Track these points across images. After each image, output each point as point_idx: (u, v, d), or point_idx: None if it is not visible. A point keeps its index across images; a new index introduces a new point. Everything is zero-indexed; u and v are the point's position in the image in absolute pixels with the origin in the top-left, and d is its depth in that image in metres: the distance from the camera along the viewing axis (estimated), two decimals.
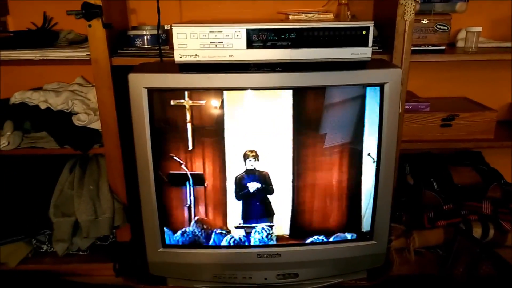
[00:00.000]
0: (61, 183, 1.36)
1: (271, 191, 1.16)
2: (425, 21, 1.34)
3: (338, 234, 1.21)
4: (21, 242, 1.34)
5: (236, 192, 1.15)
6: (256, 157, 1.12)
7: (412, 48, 1.26)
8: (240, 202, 1.16)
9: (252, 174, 1.13)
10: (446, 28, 1.35)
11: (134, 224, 1.37)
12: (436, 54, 1.34)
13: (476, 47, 1.36)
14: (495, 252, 1.18)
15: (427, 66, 1.52)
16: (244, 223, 1.18)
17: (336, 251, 1.20)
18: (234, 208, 1.17)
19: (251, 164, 1.12)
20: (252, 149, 1.11)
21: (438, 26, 1.35)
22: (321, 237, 1.20)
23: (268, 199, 1.17)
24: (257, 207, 1.17)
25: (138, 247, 1.27)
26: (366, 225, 1.20)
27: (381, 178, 1.15)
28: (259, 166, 1.13)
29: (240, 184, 1.14)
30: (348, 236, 1.21)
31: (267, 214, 1.18)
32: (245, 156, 1.12)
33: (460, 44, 1.47)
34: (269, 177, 1.14)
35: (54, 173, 1.38)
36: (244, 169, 1.13)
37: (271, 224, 1.18)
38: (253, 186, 1.14)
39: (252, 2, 1.47)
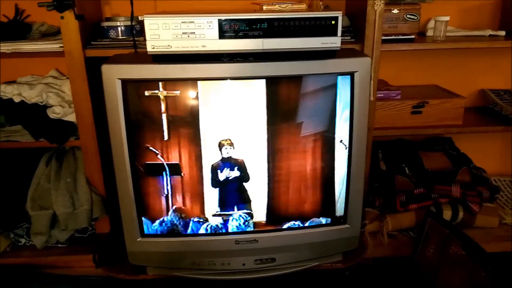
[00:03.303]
0: (38, 176, 1.36)
1: (246, 179, 1.18)
2: (395, 11, 1.37)
3: (313, 219, 1.24)
4: None
5: (212, 180, 1.17)
6: (231, 145, 1.14)
7: (382, 38, 1.29)
8: (217, 190, 1.18)
9: (228, 162, 1.15)
10: (416, 18, 1.39)
11: (113, 216, 1.38)
12: (406, 43, 1.38)
13: (445, 36, 1.40)
14: (464, 233, 1.23)
15: (399, 55, 1.56)
16: (221, 211, 1.20)
17: (312, 236, 1.24)
18: (211, 197, 1.19)
19: (227, 152, 1.14)
20: (226, 138, 1.13)
21: (408, 16, 1.38)
22: (297, 223, 1.23)
23: (244, 186, 1.19)
24: (234, 194, 1.19)
25: (117, 238, 1.28)
26: (340, 209, 1.24)
27: (353, 164, 1.19)
28: (235, 154, 1.15)
29: (216, 172, 1.16)
30: (323, 220, 1.25)
31: (243, 201, 1.20)
32: (220, 145, 1.14)
33: (429, 33, 1.51)
34: (244, 165, 1.17)
35: (30, 167, 1.38)
36: (220, 158, 1.15)
37: (249, 211, 1.21)
38: (228, 174, 1.16)
39: None
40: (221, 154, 1.14)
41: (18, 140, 1.30)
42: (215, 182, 1.17)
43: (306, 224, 1.24)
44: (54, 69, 1.48)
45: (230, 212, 1.20)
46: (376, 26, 1.26)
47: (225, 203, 1.19)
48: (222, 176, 1.16)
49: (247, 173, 1.17)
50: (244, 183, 1.18)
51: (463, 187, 1.42)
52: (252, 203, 1.20)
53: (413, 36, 1.40)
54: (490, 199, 1.44)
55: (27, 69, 1.47)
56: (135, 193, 1.15)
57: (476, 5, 1.59)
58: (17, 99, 1.31)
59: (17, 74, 1.46)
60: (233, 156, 1.15)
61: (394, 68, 1.61)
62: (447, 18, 1.39)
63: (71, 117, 1.30)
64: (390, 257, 1.40)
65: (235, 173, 1.17)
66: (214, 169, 1.16)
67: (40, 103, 1.31)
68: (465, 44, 1.40)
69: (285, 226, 1.23)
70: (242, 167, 1.16)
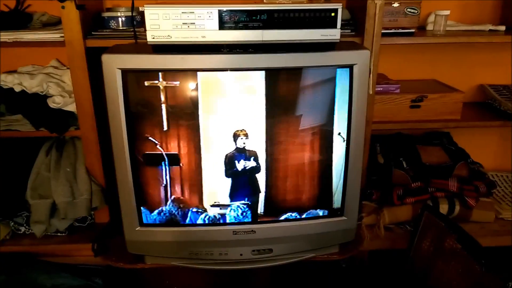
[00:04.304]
0: (38, 166, 1.36)
1: (258, 169, 1.19)
2: (395, 5, 1.37)
3: (311, 211, 1.25)
4: None
5: (226, 170, 1.18)
6: (246, 135, 1.14)
7: (382, 31, 1.29)
8: (224, 180, 1.19)
9: (243, 153, 1.16)
10: (416, 12, 1.39)
11: (112, 206, 1.39)
12: (406, 37, 1.38)
13: (445, 30, 1.40)
14: (460, 226, 1.24)
15: (398, 49, 1.56)
16: (231, 201, 1.21)
17: (309, 227, 1.25)
18: (210, 187, 1.19)
19: (242, 142, 1.15)
20: (241, 128, 1.14)
21: (409, 10, 1.39)
22: (294, 214, 1.24)
23: (255, 177, 1.20)
24: (246, 185, 1.20)
25: (116, 228, 1.29)
26: (337, 202, 1.25)
27: (351, 157, 1.19)
28: (249, 144, 1.15)
29: (232, 162, 1.17)
30: (320, 212, 1.26)
31: (254, 192, 1.21)
32: (235, 136, 1.14)
33: (430, 27, 1.51)
34: (257, 155, 1.17)
35: (30, 156, 1.38)
36: (235, 148, 1.15)
37: (256, 201, 1.22)
38: (246, 164, 1.17)
39: None
40: (236, 144, 1.15)
41: (18, 129, 1.31)
42: (229, 172, 1.18)
43: (303, 216, 1.25)
44: (54, 59, 1.48)
45: (229, 203, 1.21)
46: (376, 19, 1.26)
47: (237, 193, 1.20)
48: (240, 166, 1.17)
49: (259, 163, 1.18)
50: (256, 174, 1.19)
51: (460, 181, 1.43)
52: (255, 194, 1.21)
53: (413, 30, 1.40)
54: (486, 194, 1.45)
55: (27, 59, 1.47)
56: (134, 182, 1.16)
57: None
58: (17, 89, 1.31)
59: (18, 63, 1.46)
60: (247, 147, 1.15)
61: (394, 62, 1.61)
62: (447, 12, 1.39)
63: (71, 107, 1.31)
64: (386, 249, 1.41)
65: (252, 163, 1.17)
66: (229, 159, 1.16)
67: (40, 93, 1.32)
68: (465, 38, 1.40)
69: (282, 218, 1.24)
70: (255, 157, 1.17)
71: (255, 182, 1.20)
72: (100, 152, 1.34)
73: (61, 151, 1.41)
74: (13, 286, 1.35)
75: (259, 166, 1.19)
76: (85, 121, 1.29)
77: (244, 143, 1.15)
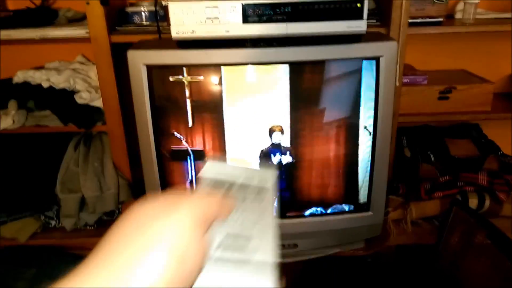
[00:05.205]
0: (67, 161, 1.39)
1: (294, 165, 1.18)
2: None
3: (336, 205, 1.24)
4: (30, 218, 1.39)
5: (260, 164, 1.17)
6: (282, 131, 1.14)
7: (409, 21, 1.26)
8: None
9: (278, 148, 1.16)
10: (444, 0, 1.35)
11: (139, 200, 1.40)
12: (434, 26, 1.34)
13: (474, 19, 1.36)
14: (490, 222, 1.20)
15: (426, 38, 1.52)
16: None
17: (334, 222, 1.24)
18: None
19: (278, 138, 1.14)
20: (277, 124, 1.13)
21: None
22: (319, 209, 1.23)
23: (291, 172, 1.19)
24: (282, 180, 1.20)
25: None
26: (363, 196, 1.23)
27: (377, 151, 1.17)
28: (284, 140, 1.15)
29: (266, 156, 1.16)
30: (346, 207, 1.24)
31: (287, 187, 1.20)
32: (271, 131, 1.14)
33: (458, 16, 1.46)
34: (292, 152, 1.17)
35: (59, 151, 1.41)
36: (270, 143, 1.15)
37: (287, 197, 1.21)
38: (282, 159, 1.16)
39: None
40: (271, 139, 1.14)
41: (47, 125, 1.34)
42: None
43: (329, 211, 1.24)
44: (80, 54, 1.50)
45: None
46: (403, 8, 1.23)
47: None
48: (275, 160, 1.16)
49: (295, 159, 1.17)
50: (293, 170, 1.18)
51: (490, 175, 1.38)
52: (289, 189, 1.21)
53: (441, 19, 1.35)
54: None
55: (54, 55, 1.50)
56: (160, 177, 1.17)
57: None
58: (45, 85, 1.33)
59: (45, 60, 1.48)
60: (282, 143, 1.15)
61: (421, 52, 1.57)
62: (477, 1, 1.34)
63: (98, 103, 1.33)
64: (413, 244, 1.39)
65: (288, 158, 1.16)
66: (265, 154, 1.16)
67: (67, 89, 1.33)
68: (496, 27, 1.35)
69: (307, 213, 1.24)
70: (291, 153, 1.16)
71: (290, 178, 1.19)
72: (126, 147, 1.35)
73: (88, 146, 1.43)
74: (43, 278, 1.39)
75: (295, 162, 1.17)
76: (111, 116, 1.31)
77: (279, 139, 1.14)
